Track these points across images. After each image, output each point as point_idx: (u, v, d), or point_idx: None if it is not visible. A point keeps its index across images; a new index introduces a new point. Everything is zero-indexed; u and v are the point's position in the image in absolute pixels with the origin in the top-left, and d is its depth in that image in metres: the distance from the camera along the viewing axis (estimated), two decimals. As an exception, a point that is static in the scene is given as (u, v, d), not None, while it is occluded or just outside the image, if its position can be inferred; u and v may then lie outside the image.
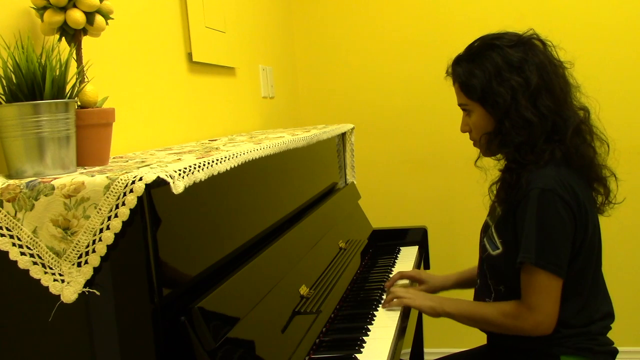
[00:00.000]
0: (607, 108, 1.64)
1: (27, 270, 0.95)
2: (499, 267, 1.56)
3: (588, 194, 1.53)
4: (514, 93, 1.49)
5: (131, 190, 0.90)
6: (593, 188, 1.58)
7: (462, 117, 1.62)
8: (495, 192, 1.61)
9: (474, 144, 1.64)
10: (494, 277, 1.59)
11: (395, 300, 1.65)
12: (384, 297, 1.74)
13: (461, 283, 1.89)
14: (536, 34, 1.57)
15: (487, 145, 1.57)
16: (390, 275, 1.94)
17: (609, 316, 1.58)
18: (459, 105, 1.61)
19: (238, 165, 1.18)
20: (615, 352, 1.58)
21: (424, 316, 2.34)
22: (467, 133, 1.63)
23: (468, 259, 1.94)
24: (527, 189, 1.46)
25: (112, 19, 1.21)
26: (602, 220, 1.62)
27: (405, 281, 1.91)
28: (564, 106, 1.53)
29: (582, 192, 1.49)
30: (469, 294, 1.77)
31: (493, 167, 1.64)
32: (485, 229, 1.65)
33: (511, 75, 1.49)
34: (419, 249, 2.29)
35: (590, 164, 1.54)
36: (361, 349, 1.39)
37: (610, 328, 1.59)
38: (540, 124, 1.48)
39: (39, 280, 0.95)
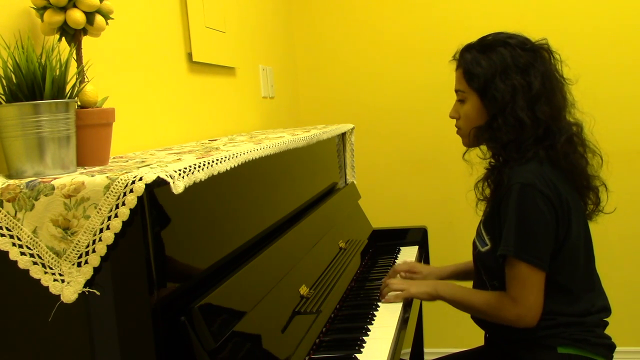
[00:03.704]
0: (601, 118, 1.67)
1: (27, 270, 0.95)
2: (489, 264, 1.59)
3: (572, 193, 1.55)
4: (514, 93, 1.52)
5: (131, 190, 0.90)
6: (583, 195, 1.61)
7: (453, 103, 1.65)
8: (480, 189, 1.65)
9: (457, 132, 1.66)
10: (487, 273, 1.62)
11: (391, 294, 1.68)
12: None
13: (458, 274, 1.92)
14: (547, 44, 1.60)
15: (474, 137, 1.61)
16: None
17: (605, 310, 1.60)
18: (456, 90, 1.64)
19: (238, 165, 1.18)
20: (613, 346, 1.59)
21: (424, 316, 2.34)
22: (454, 119, 1.66)
23: (468, 259, 1.95)
24: (508, 184, 1.49)
25: (112, 19, 1.21)
26: (600, 221, 1.63)
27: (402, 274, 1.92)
28: (559, 116, 1.56)
29: (565, 189, 1.51)
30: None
31: (478, 163, 1.67)
32: (478, 227, 1.68)
33: (515, 75, 1.53)
34: (419, 249, 2.29)
35: (581, 172, 1.58)
36: (361, 349, 1.39)
37: (607, 323, 1.60)
38: (532, 126, 1.52)
39: (39, 280, 0.95)
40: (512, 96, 1.51)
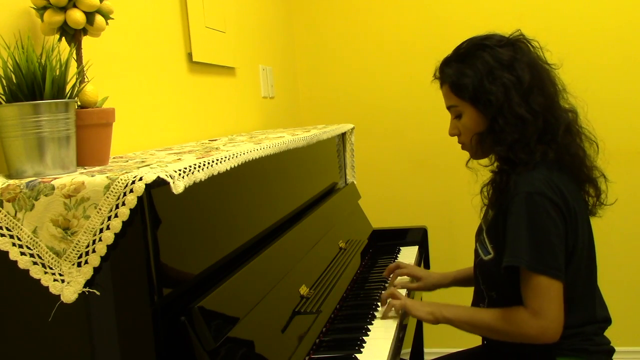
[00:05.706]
0: (595, 109, 1.63)
1: (27, 270, 0.95)
2: (491, 273, 1.54)
3: (578, 197, 1.52)
4: (507, 90, 1.48)
5: (131, 190, 0.90)
6: (584, 189, 1.57)
7: (450, 121, 1.61)
8: (486, 193, 1.60)
9: (463, 147, 1.62)
10: (486, 283, 1.57)
11: (393, 310, 1.61)
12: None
13: (459, 281, 1.89)
14: (522, 35, 1.57)
15: (479, 145, 1.56)
16: (390, 276, 1.94)
17: (606, 321, 1.57)
18: (448, 107, 1.60)
19: (238, 165, 1.18)
20: (612, 350, 1.56)
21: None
22: (456, 137, 1.62)
23: (468, 259, 1.93)
24: (514, 192, 1.44)
25: (112, 19, 1.21)
26: (596, 221, 1.61)
27: (406, 278, 1.91)
28: (554, 105, 1.53)
29: (572, 195, 1.47)
30: (468, 293, 1.77)
31: (482, 168, 1.63)
32: (478, 233, 1.64)
33: (503, 73, 1.49)
34: (419, 249, 2.29)
35: (580, 164, 1.54)
36: (361, 349, 1.39)
37: (605, 329, 1.58)
38: (533, 121, 1.48)
39: (39, 280, 0.95)
40: (506, 94, 1.48)
